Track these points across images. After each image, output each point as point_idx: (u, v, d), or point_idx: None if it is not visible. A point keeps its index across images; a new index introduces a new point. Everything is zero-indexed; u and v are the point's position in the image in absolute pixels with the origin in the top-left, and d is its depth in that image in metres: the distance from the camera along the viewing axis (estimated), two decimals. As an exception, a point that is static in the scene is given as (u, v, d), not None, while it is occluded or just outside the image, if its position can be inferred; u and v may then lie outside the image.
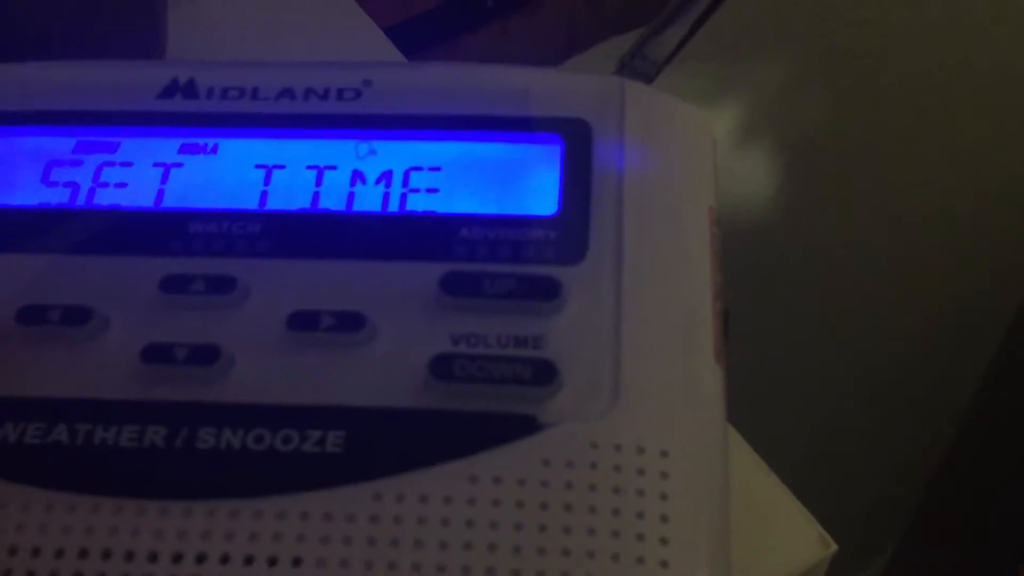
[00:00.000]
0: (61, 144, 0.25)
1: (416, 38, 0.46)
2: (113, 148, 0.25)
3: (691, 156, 0.25)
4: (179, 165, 0.25)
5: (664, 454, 0.20)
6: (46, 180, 0.25)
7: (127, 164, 0.25)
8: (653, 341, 0.22)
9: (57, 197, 0.25)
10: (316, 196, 0.24)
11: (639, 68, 0.27)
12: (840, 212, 0.94)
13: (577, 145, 0.24)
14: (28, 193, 0.24)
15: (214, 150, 0.25)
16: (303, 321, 0.22)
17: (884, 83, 0.86)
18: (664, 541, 0.20)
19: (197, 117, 0.25)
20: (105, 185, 0.25)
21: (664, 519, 0.20)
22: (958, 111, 0.92)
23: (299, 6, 0.40)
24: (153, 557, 0.19)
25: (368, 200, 0.24)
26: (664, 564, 0.19)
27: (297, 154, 0.25)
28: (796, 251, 0.92)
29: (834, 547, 0.27)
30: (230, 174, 0.25)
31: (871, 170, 0.93)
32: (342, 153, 0.25)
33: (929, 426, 1.07)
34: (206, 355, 0.21)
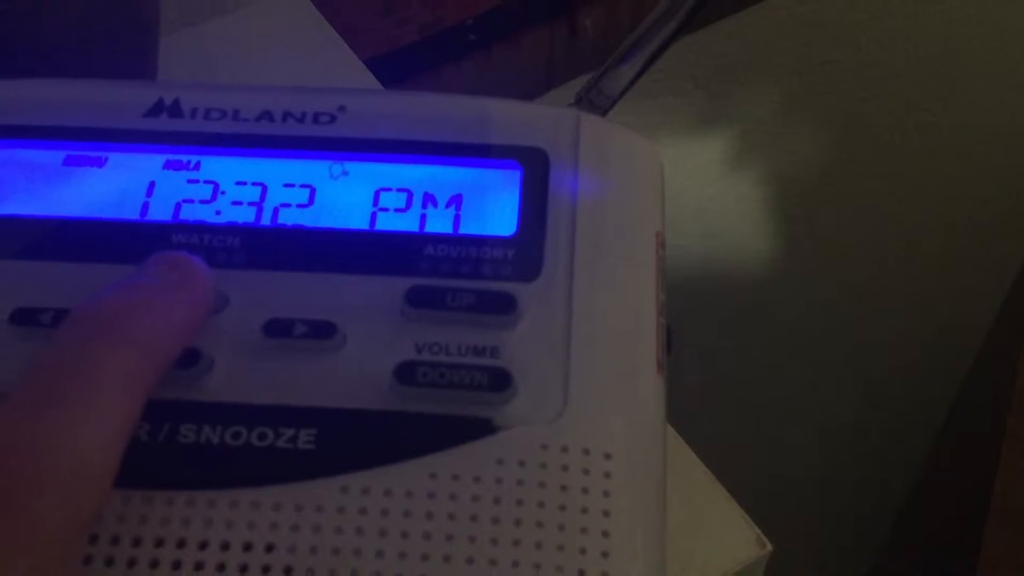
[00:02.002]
0: (52, 157, 0.27)
1: (400, 69, 0.48)
2: (101, 163, 0.27)
3: (640, 184, 0.27)
4: (163, 180, 0.26)
5: (607, 456, 0.22)
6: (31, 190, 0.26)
7: (117, 177, 0.26)
8: (600, 353, 0.24)
9: (40, 208, 0.26)
10: (292, 212, 0.26)
11: (595, 101, 0.29)
12: (823, 242, 0.97)
13: (535, 171, 0.26)
14: (23, 202, 0.26)
15: (196, 167, 0.27)
16: (278, 328, 0.23)
17: (863, 118, 0.89)
18: (606, 534, 0.22)
19: (181, 135, 0.27)
20: (86, 196, 0.26)
21: (606, 514, 0.22)
22: (938, 146, 0.95)
23: (285, 36, 0.42)
24: (137, 542, 0.21)
25: (341, 217, 0.26)
26: (605, 555, 0.21)
27: (275, 172, 0.27)
28: (778, 275, 0.94)
29: (769, 547, 0.29)
30: (211, 190, 0.26)
31: (849, 206, 0.96)
32: (317, 173, 0.27)
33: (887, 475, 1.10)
34: (188, 358, 0.23)
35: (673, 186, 0.78)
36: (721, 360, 0.95)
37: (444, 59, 0.51)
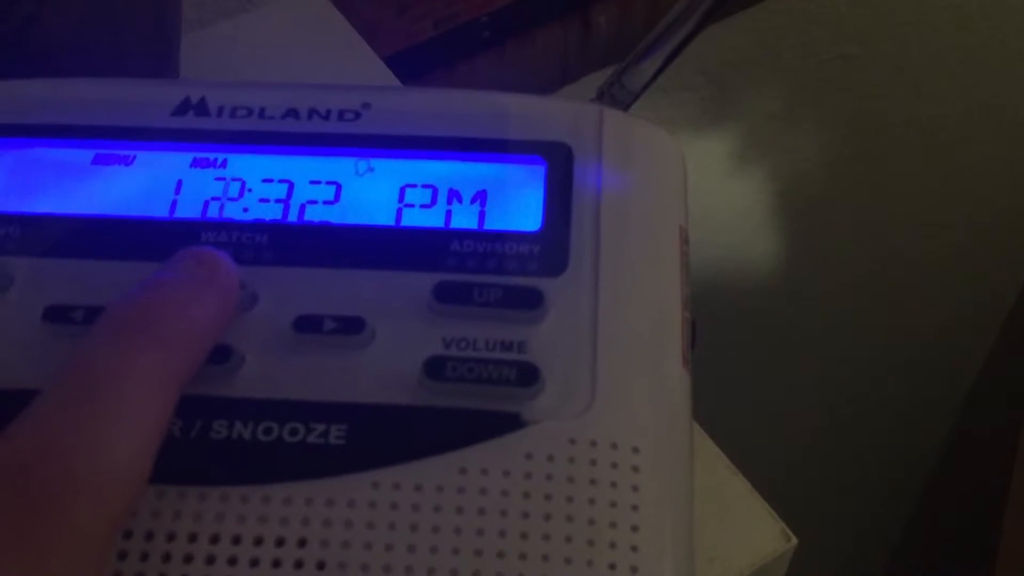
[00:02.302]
0: (81, 156, 0.27)
1: (416, 65, 0.48)
2: (129, 161, 0.27)
3: (663, 178, 0.27)
4: (191, 177, 0.27)
5: (635, 450, 0.23)
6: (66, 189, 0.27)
7: (145, 175, 0.26)
8: (626, 347, 0.24)
9: (70, 207, 0.26)
10: (319, 209, 0.26)
11: (617, 96, 0.29)
12: (827, 240, 0.97)
13: (559, 166, 0.26)
14: (53, 200, 0.26)
15: (223, 165, 0.27)
16: (308, 324, 0.24)
17: (873, 114, 0.88)
18: (635, 528, 0.22)
19: (208, 134, 0.27)
20: (115, 194, 0.26)
21: (635, 508, 0.22)
22: (948, 141, 0.95)
23: (304, 34, 0.42)
24: (171, 537, 0.21)
25: (367, 214, 0.26)
26: (634, 549, 0.21)
27: (301, 170, 0.27)
28: (791, 269, 0.94)
29: (794, 541, 0.29)
30: (238, 187, 0.26)
31: (859, 201, 0.95)
32: (343, 169, 0.27)
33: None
34: (218, 354, 0.23)
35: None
36: (736, 354, 0.95)
37: (459, 56, 0.51)
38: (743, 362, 0.97)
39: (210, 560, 0.21)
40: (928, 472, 1.09)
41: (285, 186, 0.26)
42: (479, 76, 0.52)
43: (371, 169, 0.27)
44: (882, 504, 1.14)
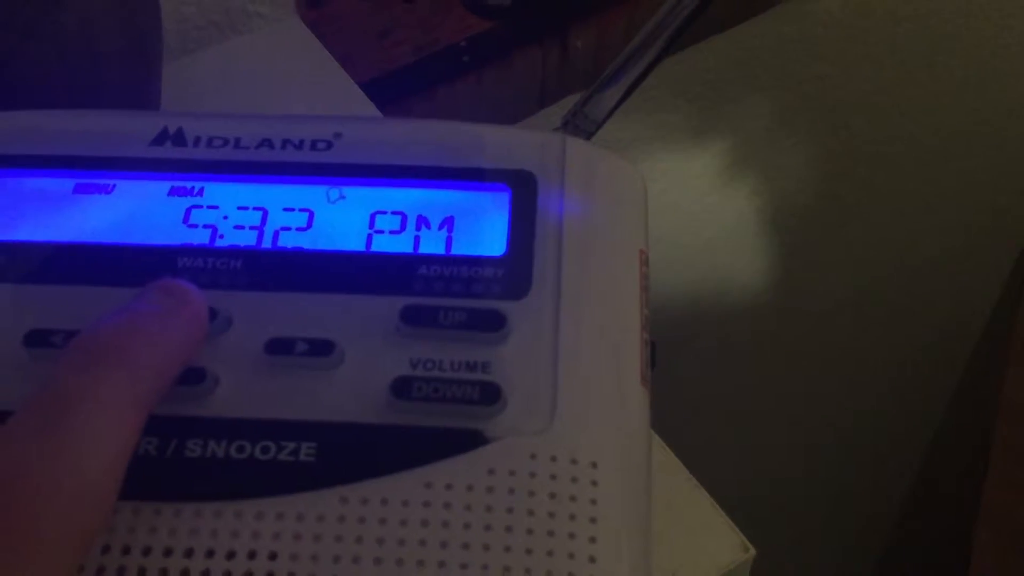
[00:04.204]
0: (62, 185, 0.28)
1: (396, 90, 0.49)
2: (108, 190, 0.28)
3: (624, 204, 0.28)
4: (168, 205, 0.28)
5: (594, 465, 0.24)
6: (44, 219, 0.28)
7: (124, 203, 0.27)
8: (586, 367, 0.25)
9: (51, 234, 0.27)
10: (292, 235, 0.27)
11: (580, 125, 0.30)
12: (814, 253, 0.98)
13: (523, 194, 0.27)
14: (35, 228, 0.27)
15: (200, 193, 0.28)
16: (280, 347, 0.25)
17: (852, 133, 0.90)
18: (593, 540, 0.23)
19: (185, 163, 0.28)
20: (95, 222, 0.27)
21: (593, 521, 0.23)
22: (926, 157, 0.96)
23: (284, 62, 0.43)
24: (147, 551, 0.22)
25: (338, 239, 0.27)
26: (592, 559, 0.22)
27: (275, 197, 0.28)
28: (770, 286, 0.95)
29: (753, 552, 0.30)
30: (214, 215, 0.27)
31: (839, 220, 0.97)
32: (315, 197, 0.28)
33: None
34: (194, 376, 0.24)
35: (668, 199, 0.80)
36: (712, 368, 0.96)
37: (439, 80, 0.52)
38: (720, 374, 0.98)
39: (184, 574, 0.22)
40: (901, 487, 1.10)
41: (259, 213, 0.27)
42: (459, 100, 0.53)
43: (343, 196, 0.28)
44: (852, 517, 1.15)
